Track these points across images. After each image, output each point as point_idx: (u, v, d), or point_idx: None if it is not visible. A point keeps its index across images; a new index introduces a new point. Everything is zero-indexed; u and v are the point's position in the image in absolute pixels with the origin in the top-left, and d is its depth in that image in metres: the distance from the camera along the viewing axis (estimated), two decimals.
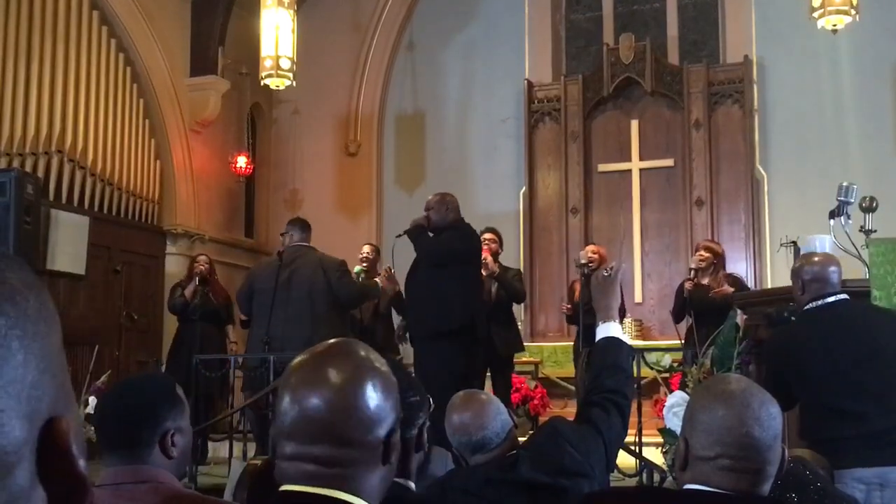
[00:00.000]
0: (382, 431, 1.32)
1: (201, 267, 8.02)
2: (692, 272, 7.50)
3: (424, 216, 6.15)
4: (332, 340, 1.41)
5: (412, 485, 1.89)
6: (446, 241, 6.02)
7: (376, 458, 1.31)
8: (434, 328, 5.77)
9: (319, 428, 1.29)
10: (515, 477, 2.35)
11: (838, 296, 3.67)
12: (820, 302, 3.65)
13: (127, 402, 2.19)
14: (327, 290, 6.49)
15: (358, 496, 1.30)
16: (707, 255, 7.40)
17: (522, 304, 10.39)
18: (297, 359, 1.37)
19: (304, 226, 6.90)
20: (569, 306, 7.73)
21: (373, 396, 1.31)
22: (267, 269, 6.87)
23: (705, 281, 7.20)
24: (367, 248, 7.95)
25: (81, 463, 0.64)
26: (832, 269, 3.71)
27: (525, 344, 9.97)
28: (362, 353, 1.36)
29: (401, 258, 6.56)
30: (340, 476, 1.29)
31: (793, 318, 3.68)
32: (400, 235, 6.21)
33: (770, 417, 1.78)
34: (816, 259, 3.80)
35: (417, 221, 6.15)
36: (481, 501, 2.34)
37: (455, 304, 5.88)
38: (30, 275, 0.65)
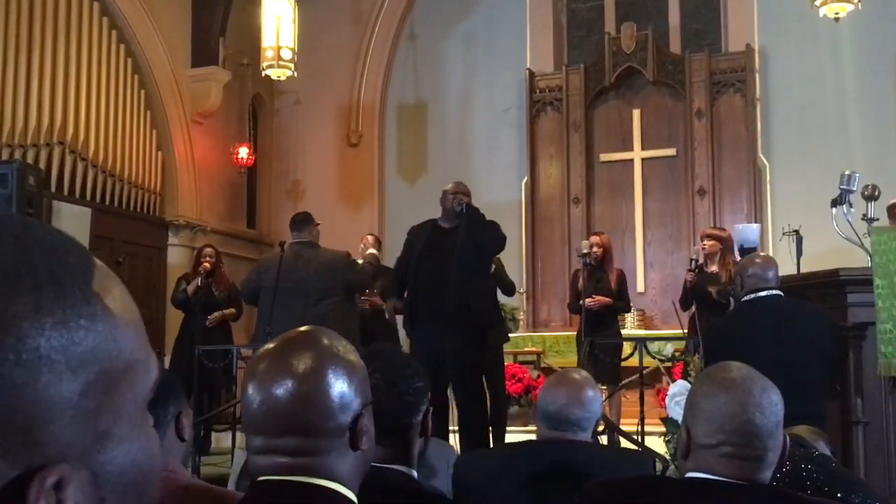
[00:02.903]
0: (347, 418, 1.32)
1: (206, 263, 7.97)
2: (692, 262, 7.49)
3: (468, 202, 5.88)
4: (299, 329, 1.42)
5: (415, 473, 1.88)
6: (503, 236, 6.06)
7: (345, 445, 1.33)
8: (476, 321, 5.71)
9: (283, 420, 1.31)
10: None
11: (771, 291, 4.09)
12: (752, 296, 4.10)
13: None
14: (333, 287, 6.48)
15: (332, 481, 1.31)
16: (712, 242, 7.38)
17: (525, 295, 10.43)
18: (262, 348, 1.39)
19: (298, 222, 6.81)
20: (597, 298, 7.52)
21: (334, 384, 1.32)
22: (273, 265, 6.83)
23: (713, 269, 7.17)
24: (370, 238, 8.02)
25: None
26: (770, 269, 4.18)
27: (528, 334, 10.02)
28: (326, 341, 1.36)
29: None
30: (311, 465, 1.31)
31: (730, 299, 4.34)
32: (470, 206, 5.81)
33: (771, 404, 1.79)
34: (758, 261, 4.31)
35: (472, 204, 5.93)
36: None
37: (495, 301, 6.08)
38: (74, 307, 0.59)
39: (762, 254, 5.00)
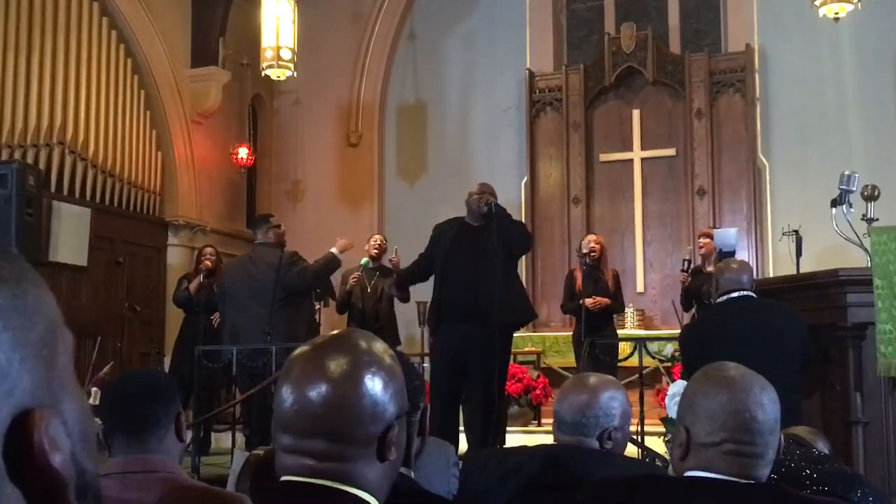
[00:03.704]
0: (378, 428, 1.29)
1: (207, 262, 8.01)
2: (684, 263, 7.54)
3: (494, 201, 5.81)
4: (335, 331, 1.39)
5: (412, 474, 1.88)
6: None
7: (372, 455, 1.30)
8: (511, 319, 5.71)
9: (314, 422, 1.28)
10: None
11: (742, 292, 4.25)
12: (726, 297, 4.26)
13: (142, 386, 2.22)
14: (273, 287, 6.61)
15: (358, 489, 1.29)
16: (706, 241, 7.44)
17: None
18: (299, 350, 1.36)
19: (255, 224, 7.11)
20: (597, 300, 7.53)
21: (369, 392, 1.28)
22: (236, 267, 7.16)
23: (711, 269, 7.20)
24: (379, 238, 8.09)
25: (58, 458, 0.59)
26: (744, 273, 4.36)
27: (527, 334, 10.02)
28: (363, 344, 1.33)
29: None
30: (338, 470, 1.29)
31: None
32: (497, 206, 5.73)
33: (771, 401, 1.81)
34: (734, 265, 4.49)
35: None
36: None
37: (527, 297, 6.12)
38: (10, 269, 0.61)
39: (739, 259, 5.25)
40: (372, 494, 1.30)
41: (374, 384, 1.29)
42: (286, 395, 1.31)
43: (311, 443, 1.29)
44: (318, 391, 1.28)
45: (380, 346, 1.35)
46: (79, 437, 0.63)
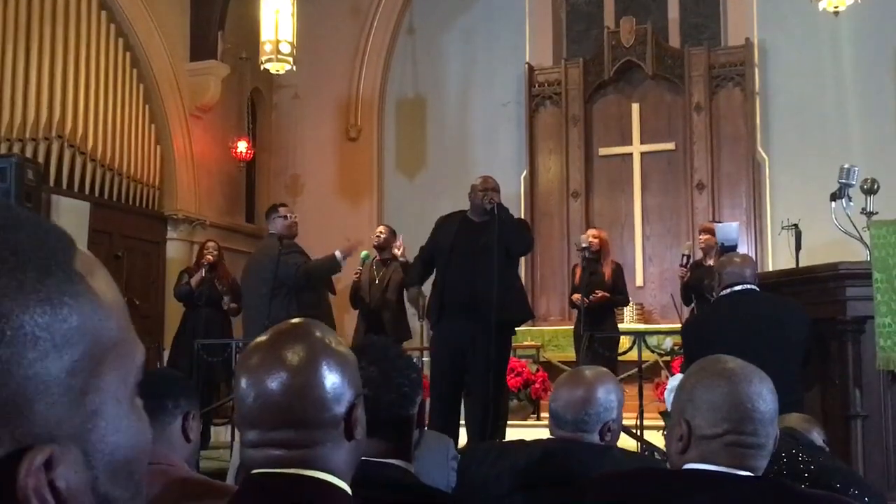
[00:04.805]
0: (341, 408, 1.33)
1: (209, 257, 8.02)
2: (683, 258, 7.55)
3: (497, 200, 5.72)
4: (289, 321, 1.42)
5: (412, 468, 1.88)
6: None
7: (340, 436, 1.33)
8: (510, 318, 5.70)
9: (278, 413, 1.31)
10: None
11: (745, 286, 4.22)
12: (728, 290, 4.27)
13: (153, 378, 2.22)
14: (270, 278, 6.67)
15: (326, 473, 1.32)
16: (707, 237, 7.45)
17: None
18: (253, 342, 1.39)
19: (266, 214, 7.27)
20: (594, 298, 7.59)
21: (328, 376, 1.33)
22: (249, 258, 7.43)
23: (710, 262, 7.22)
24: (381, 229, 8.07)
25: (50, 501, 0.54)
26: (747, 267, 4.37)
27: (527, 328, 10.02)
28: (317, 333, 1.37)
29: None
30: (307, 457, 1.31)
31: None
32: (500, 206, 5.64)
33: (770, 392, 1.82)
34: (737, 259, 4.49)
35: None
36: None
37: (525, 296, 6.08)
38: (55, 284, 0.57)
39: (741, 252, 5.32)
40: (340, 477, 1.33)
41: (332, 368, 1.33)
42: (247, 389, 1.33)
43: (277, 434, 1.31)
44: (278, 381, 1.31)
45: (331, 335, 1.39)
46: (109, 465, 0.60)
